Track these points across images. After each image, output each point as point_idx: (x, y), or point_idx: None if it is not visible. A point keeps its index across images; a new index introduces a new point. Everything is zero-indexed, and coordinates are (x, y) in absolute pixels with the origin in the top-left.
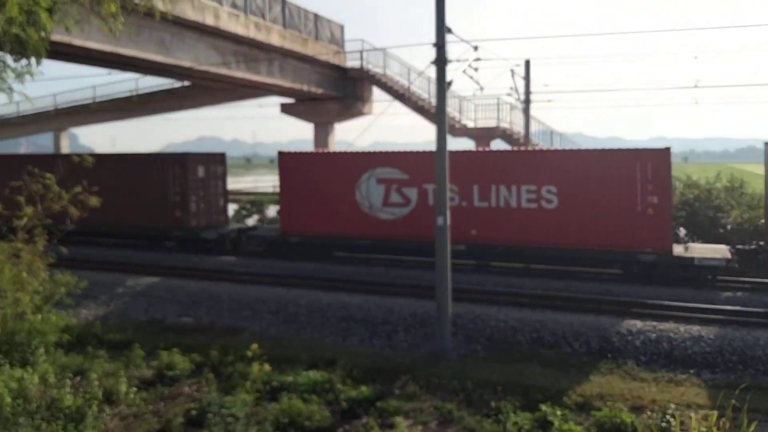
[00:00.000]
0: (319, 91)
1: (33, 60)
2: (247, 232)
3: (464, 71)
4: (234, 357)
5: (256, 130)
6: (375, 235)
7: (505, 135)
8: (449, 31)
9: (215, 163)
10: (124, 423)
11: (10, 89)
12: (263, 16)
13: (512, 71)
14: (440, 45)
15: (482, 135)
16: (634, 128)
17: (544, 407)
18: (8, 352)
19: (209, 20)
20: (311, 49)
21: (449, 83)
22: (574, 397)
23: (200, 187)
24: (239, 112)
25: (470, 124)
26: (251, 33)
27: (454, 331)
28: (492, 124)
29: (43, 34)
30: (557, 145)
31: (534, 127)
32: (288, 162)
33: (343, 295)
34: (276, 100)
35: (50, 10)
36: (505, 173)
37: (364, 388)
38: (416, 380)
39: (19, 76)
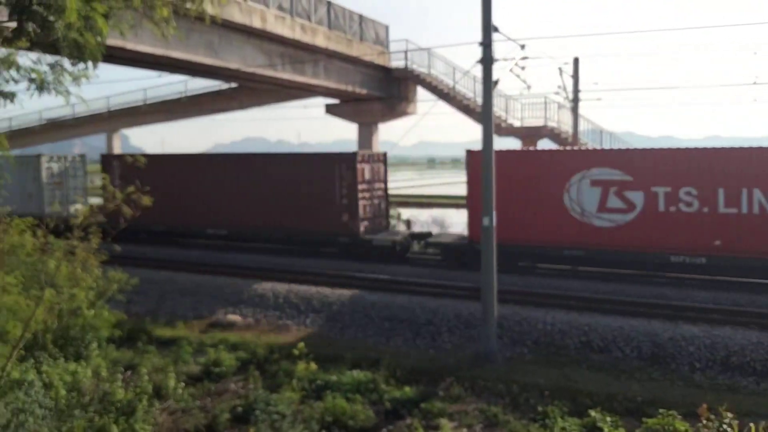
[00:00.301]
0: (364, 91)
1: (90, 64)
2: (423, 239)
3: (511, 70)
4: (279, 355)
5: (301, 131)
6: (588, 244)
7: (553, 134)
8: (496, 29)
9: (378, 162)
10: (172, 417)
11: (67, 92)
12: (309, 18)
13: (560, 69)
14: (487, 44)
15: (529, 134)
16: (689, 127)
17: (593, 413)
18: (63, 346)
19: (256, 23)
20: (356, 50)
21: (495, 82)
22: (624, 403)
23: (366, 188)
24: (284, 113)
25: (516, 123)
26: (297, 35)
27: (500, 334)
28: (539, 123)
29: (99, 38)
30: (606, 145)
31: (583, 126)
32: (477, 162)
33: (387, 295)
34: (321, 101)
35: (106, 16)
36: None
37: (408, 389)
38: (461, 382)
39: (76, 79)
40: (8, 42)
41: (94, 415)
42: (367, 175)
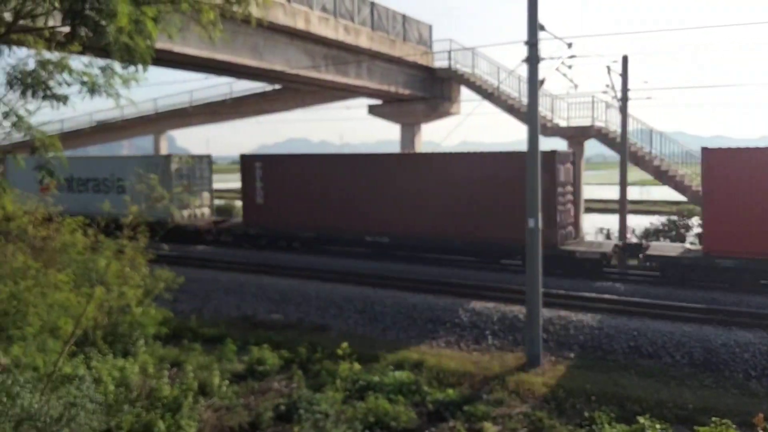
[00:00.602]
0: (407, 91)
1: (140, 66)
2: (637, 251)
3: (557, 69)
4: (322, 354)
5: (343, 132)
6: None
7: (600, 134)
8: (542, 28)
9: (569, 162)
10: (216, 415)
11: (118, 94)
12: (352, 19)
13: (608, 68)
14: (532, 43)
15: (575, 134)
16: (742, 126)
17: (642, 419)
18: (112, 342)
19: (300, 24)
20: (399, 50)
21: (541, 81)
22: (674, 410)
23: (562, 192)
24: (327, 114)
25: (562, 123)
26: (340, 36)
27: (545, 337)
28: (586, 123)
29: (148, 42)
30: (656, 145)
31: (631, 126)
32: (717, 162)
33: (430, 297)
34: (363, 102)
35: (155, 19)
36: None
37: (450, 391)
38: (505, 386)
39: (126, 81)
40: (61, 46)
41: (142, 411)
42: (562, 177)
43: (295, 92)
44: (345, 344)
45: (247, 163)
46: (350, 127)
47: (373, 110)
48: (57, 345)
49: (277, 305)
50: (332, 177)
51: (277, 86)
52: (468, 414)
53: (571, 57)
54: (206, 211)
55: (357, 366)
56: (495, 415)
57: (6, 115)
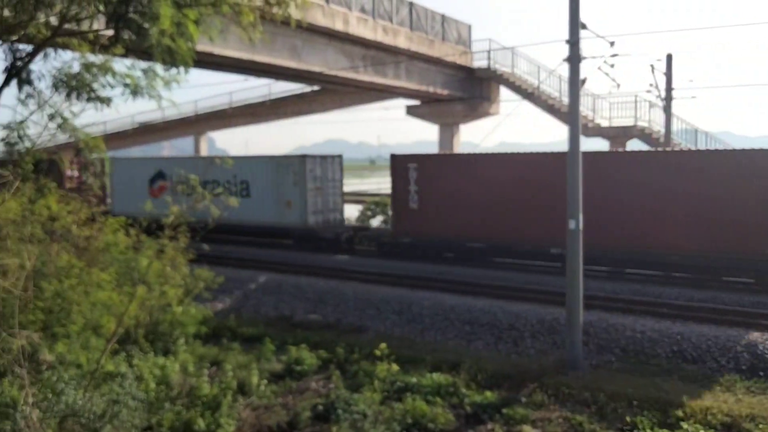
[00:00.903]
0: (445, 92)
1: (181, 69)
2: None
3: (599, 68)
4: (359, 355)
5: (381, 133)
6: None
7: (643, 134)
8: (584, 26)
9: None
10: (255, 413)
11: (159, 96)
12: (390, 19)
13: (652, 66)
14: (574, 42)
15: (617, 135)
16: None
17: (685, 425)
18: (153, 341)
19: (339, 25)
20: (438, 51)
21: (583, 81)
22: (719, 416)
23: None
24: (364, 115)
25: (604, 123)
26: (379, 36)
27: (586, 340)
28: (628, 123)
29: (190, 44)
30: (702, 146)
31: (676, 126)
32: None
33: (468, 299)
34: (401, 102)
35: (196, 22)
36: None
37: (489, 394)
38: (544, 389)
39: (167, 83)
40: (104, 49)
41: (182, 409)
42: None
43: (333, 93)
44: (383, 345)
45: (399, 163)
46: (387, 128)
47: (411, 111)
48: (100, 343)
49: (314, 305)
50: (505, 180)
51: (316, 87)
52: (506, 417)
53: (614, 56)
54: (338, 216)
55: (395, 367)
56: (534, 419)
57: (52, 117)
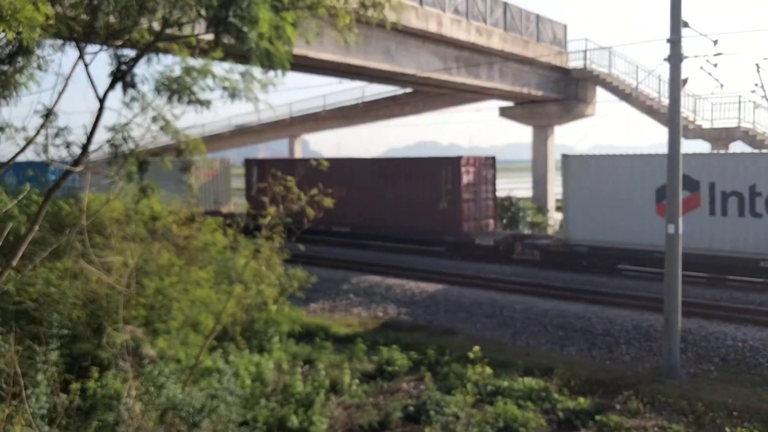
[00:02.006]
0: (539, 93)
1: (279, 72)
2: None
3: (701, 67)
4: (450, 357)
5: (472, 135)
6: None
7: (747, 136)
8: (686, 24)
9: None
10: (347, 412)
11: (256, 98)
12: (484, 20)
13: (757, 66)
14: (675, 41)
15: (719, 137)
16: None
17: None
18: (248, 338)
19: (432, 27)
20: (532, 51)
21: (684, 81)
22: None
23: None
24: (455, 117)
25: (705, 125)
26: (472, 37)
27: (684, 348)
28: (731, 124)
29: (287, 47)
30: None
31: None
32: None
33: (561, 303)
34: (493, 104)
35: (293, 25)
36: None
37: (582, 400)
38: (639, 396)
39: (264, 86)
40: (204, 53)
41: (276, 405)
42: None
43: (425, 95)
44: (477, 348)
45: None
46: (478, 130)
47: (504, 112)
48: (198, 339)
49: (406, 307)
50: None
51: (408, 90)
52: (600, 424)
53: (717, 54)
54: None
55: (488, 370)
56: (629, 426)
57: (155, 119)
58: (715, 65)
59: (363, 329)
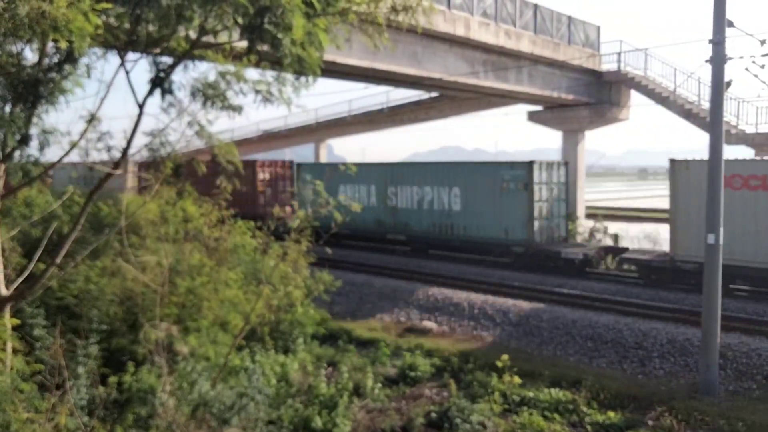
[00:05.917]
0: (570, 97)
1: (310, 77)
2: None
3: (747, 69)
4: (474, 365)
5: (498, 139)
6: None
7: None
8: (730, 24)
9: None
10: (370, 416)
11: (290, 101)
12: (513, 23)
13: None
14: (718, 41)
15: (764, 142)
16: None
17: None
18: (274, 339)
19: (460, 31)
20: (563, 54)
21: (728, 83)
22: None
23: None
24: (480, 121)
25: (749, 130)
26: (501, 41)
27: (723, 364)
28: None
29: (319, 53)
30: None
31: None
32: None
33: (590, 313)
34: (520, 108)
35: (325, 30)
36: None
37: (612, 414)
38: (674, 413)
39: (297, 90)
40: (237, 59)
41: (300, 406)
42: None
43: (451, 100)
44: (506, 356)
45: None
46: (504, 134)
47: (532, 117)
48: (226, 338)
49: (429, 313)
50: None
51: (434, 94)
52: None
53: (765, 55)
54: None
55: (517, 379)
56: None
57: (190, 124)
58: (762, 66)
59: (386, 333)
